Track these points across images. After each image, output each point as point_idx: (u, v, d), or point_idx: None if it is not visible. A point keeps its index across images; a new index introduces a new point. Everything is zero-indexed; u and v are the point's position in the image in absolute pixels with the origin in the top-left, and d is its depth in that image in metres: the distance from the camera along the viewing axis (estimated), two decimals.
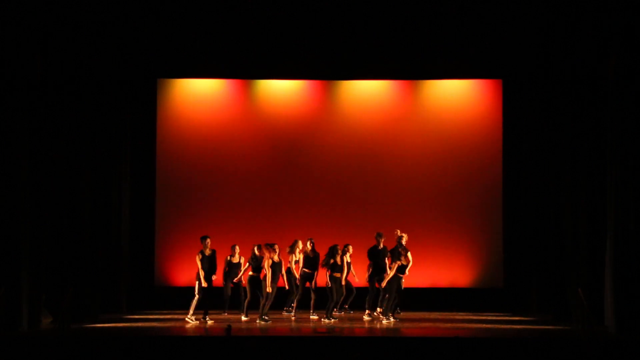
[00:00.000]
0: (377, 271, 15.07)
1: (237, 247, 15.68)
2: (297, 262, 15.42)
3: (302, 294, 15.40)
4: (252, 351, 12.13)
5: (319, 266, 15.15)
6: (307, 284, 15.31)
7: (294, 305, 15.52)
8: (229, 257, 15.75)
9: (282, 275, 14.89)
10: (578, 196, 14.80)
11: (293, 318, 15.26)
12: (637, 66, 13.32)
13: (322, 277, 15.15)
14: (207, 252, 14.59)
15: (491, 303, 16.93)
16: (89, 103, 15.48)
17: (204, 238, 14.63)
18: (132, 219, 17.18)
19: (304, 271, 15.25)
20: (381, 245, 15.16)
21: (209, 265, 14.56)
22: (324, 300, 15.04)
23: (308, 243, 15.30)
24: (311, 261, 15.24)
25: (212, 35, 16.42)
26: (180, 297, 17.06)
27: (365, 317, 15.05)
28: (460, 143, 17.53)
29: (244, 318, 14.89)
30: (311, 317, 15.10)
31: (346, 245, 15.11)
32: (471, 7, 15.63)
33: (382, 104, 17.77)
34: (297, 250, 15.38)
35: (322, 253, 15.27)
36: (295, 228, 16.98)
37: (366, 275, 15.33)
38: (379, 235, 15.16)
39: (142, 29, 16.09)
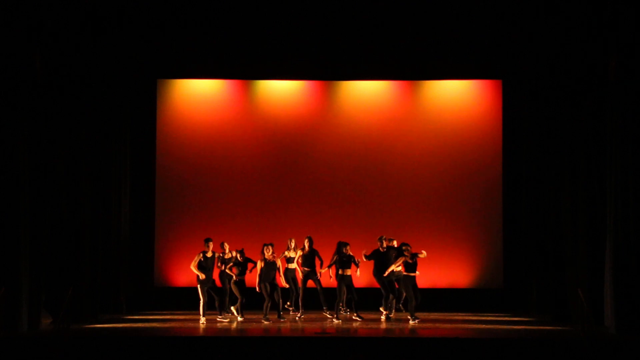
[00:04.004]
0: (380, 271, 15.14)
1: (227, 245, 15.55)
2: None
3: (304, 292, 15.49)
4: (253, 351, 12.13)
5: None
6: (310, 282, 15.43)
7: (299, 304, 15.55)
8: (221, 255, 15.60)
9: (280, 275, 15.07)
10: (578, 196, 14.80)
11: (297, 317, 15.32)
12: (637, 66, 13.32)
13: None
14: (209, 254, 14.70)
15: (491, 304, 16.93)
16: (89, 103, 15.47)
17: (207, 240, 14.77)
18: (132, 219, 17.17)
19: (304, 269, 15.37)
20: (382, 248, 15.21)
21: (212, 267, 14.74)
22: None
23: (306, 241, 15.39)
24: (309, 259, 15.37)
25: (212, 35, 16.41)
26: (180, 298, 17.13)
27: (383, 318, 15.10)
28: (460, 143, 17.53)
29: (239, 318, 14.92)
30: (325, 314, 15.19)
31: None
32: (471, 7, 15.63)
33: (382, 105, 17.77)
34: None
35: (321, 252, 15.46)
36: (295, 228, 16.97)
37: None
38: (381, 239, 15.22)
39: (142, 29, 16.09)
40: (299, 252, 15.48)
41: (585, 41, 14.46)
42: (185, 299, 17.01)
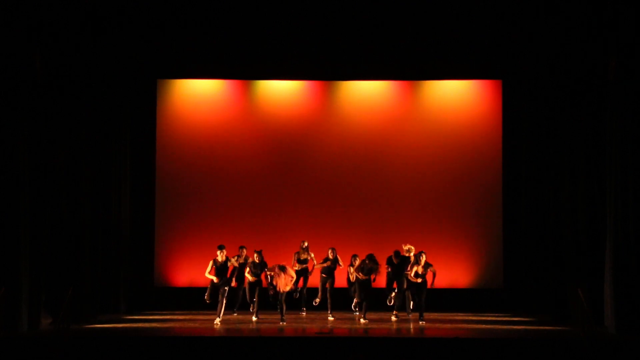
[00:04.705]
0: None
1: (245, 250, 15.63)
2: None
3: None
4: (253, 351, 12.14)
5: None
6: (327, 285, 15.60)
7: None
8: (235, 258, 15.70)
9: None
10: (578, 196, 14.81)
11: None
12: (637, 66, 13.33)
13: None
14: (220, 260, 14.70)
15: (491, 304, 16.92)
16: (89, 103, 15.49)
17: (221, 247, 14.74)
18: (132, 219, 17.16)
19: (323, 276, 15.59)
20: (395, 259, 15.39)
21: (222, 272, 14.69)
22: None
23: (330, 252, 15.54)
24: (332, 268, 15.60)
25: (211, 35, 16.41)
26: (180, 298, 17.14)
27: (393, 318, 15.14)
28: (460, 143, 17.53)
29: (254, 318, 14.99)
30: (329, 318, 15.24)
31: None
32: (471, 7, 15.63)
33: (382, 105, 17.76)
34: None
35: (319, 252, 15.68)
36: (295, 229, 16.99)
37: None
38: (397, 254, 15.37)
39: (142, 29, 16.10)
40: (320, 262, 15.64)
41: (585, 41, 14.47)
42: (185, 299, 17.04)
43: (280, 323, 14.40)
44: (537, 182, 16.36)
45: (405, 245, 15.28)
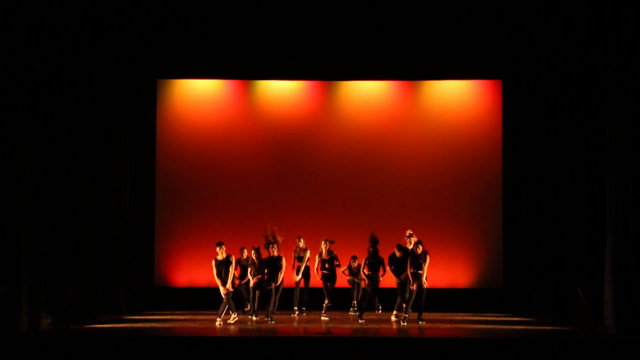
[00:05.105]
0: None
1: (245, 251, 15.62)
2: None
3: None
4: (253, 351, 12.14)
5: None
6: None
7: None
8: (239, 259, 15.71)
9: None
10: (578, 196, 14.80)
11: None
12: (637, 66, 13.33)
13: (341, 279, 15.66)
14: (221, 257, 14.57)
15: (491, 304, 16.93)
16: (89, 103, 15.48)
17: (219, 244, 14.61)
18: (132, 219, 17.16)
19: (322, 272, 15.53)
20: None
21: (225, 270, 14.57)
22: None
23: (323, 244, 15.53)
24: (326, 261, 15.56)
25: (212, 35, 16.42)
26: (180, 298, 17.15)
27: (393, 318, 15.10)
28: (460, 143, 17.53)
29: (254, 318, 14.96)
30: (322, 317, 15.24)
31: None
32: (471, 7, 15.63)
33: (382, 105, 17.77)
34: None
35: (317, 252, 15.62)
36: (295, 228, 16.94)
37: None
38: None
39: (142, 29, 16.10)
40: (317, 258, 15.59)
41: (585, 41, 14.46)
42: (185, 299, 17.06)
43: (267, 319, 14.38)
44: (537, 182, 16.35)
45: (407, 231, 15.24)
